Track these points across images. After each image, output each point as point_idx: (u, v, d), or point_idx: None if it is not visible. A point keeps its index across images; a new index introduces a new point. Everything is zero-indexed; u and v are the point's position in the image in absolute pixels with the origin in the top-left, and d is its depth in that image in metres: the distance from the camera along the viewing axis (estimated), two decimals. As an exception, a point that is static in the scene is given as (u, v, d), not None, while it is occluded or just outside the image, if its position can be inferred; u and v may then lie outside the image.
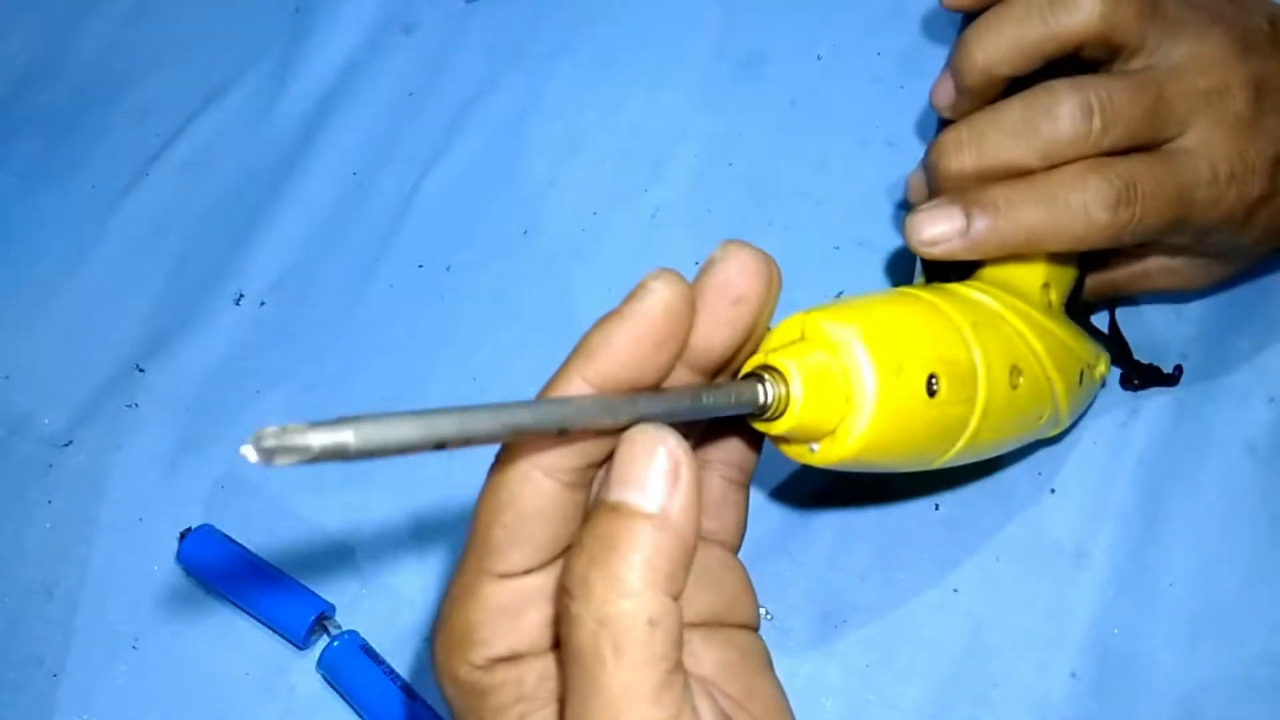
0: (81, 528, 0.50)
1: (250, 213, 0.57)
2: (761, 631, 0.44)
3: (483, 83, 0.59)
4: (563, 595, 0.26)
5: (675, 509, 0.26)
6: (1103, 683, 0.44)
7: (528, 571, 0.28)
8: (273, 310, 0.54)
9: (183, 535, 0.49)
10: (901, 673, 0.45)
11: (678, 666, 0.26)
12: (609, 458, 0.28)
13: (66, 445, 0.52)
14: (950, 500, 0.46)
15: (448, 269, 0.55)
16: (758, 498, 0.48)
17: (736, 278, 0.28)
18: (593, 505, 0.27)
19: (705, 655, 0.30)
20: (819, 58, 0.58)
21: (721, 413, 0.28)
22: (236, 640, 0.47)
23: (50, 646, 0.48)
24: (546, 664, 0.28)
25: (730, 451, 0.33)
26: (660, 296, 0.27)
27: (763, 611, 0.46)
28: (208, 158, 0.59)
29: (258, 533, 0.49)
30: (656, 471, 0.26)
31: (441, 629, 0.29)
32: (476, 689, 0.28)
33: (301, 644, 0.46)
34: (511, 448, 0.28)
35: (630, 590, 0.25)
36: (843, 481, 0.47)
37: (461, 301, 0.54)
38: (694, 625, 0.31)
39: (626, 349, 0.27)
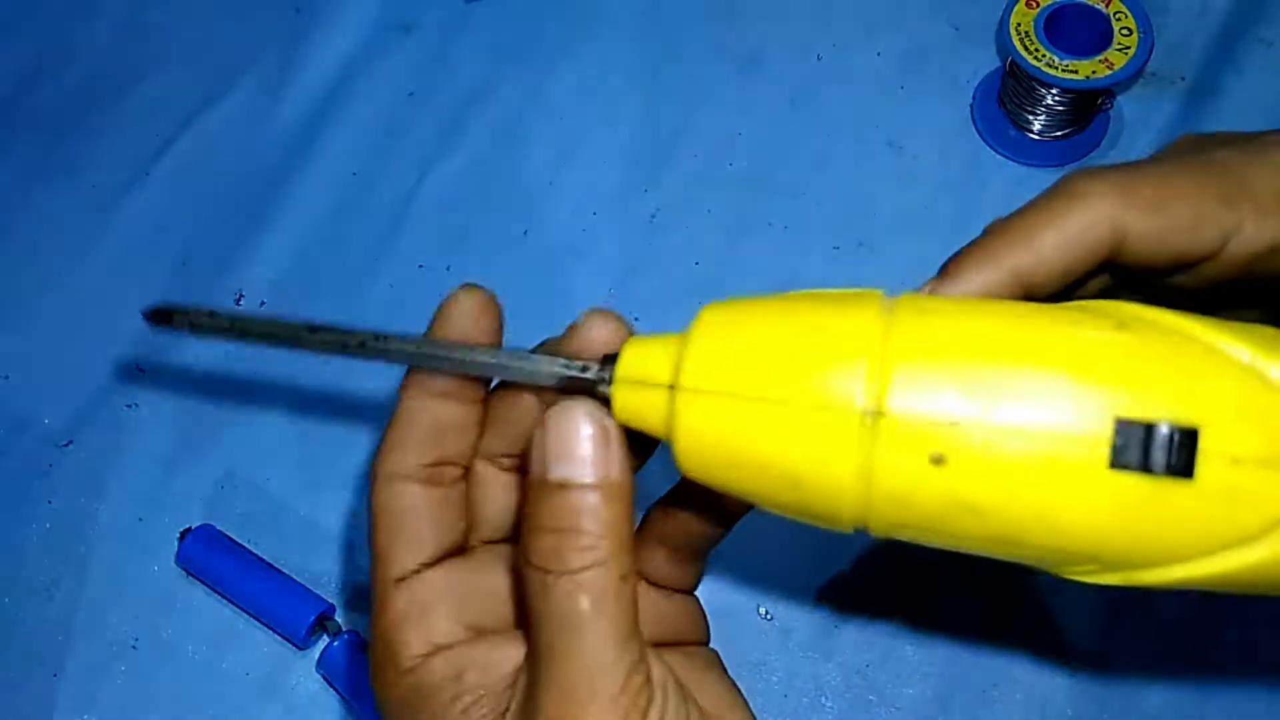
0: (81, 528, 0.50)
1: (250, 213, 0.57)
2: (761, 632, 0.44)
3: (483, 83, 0.59)
4: (531, 573, 0.28)
5: (615, 474, 0.28)
6: (1103, 683, 0.44)
7: (420, 570, 0.31)
8: (273, 310, 0.54)
9: (183, 535, 0.48)
10: (901, 673, 0.45)
11: (637, 619, 0.28)
12: (468, 456, 0.32)
13: (66, 445, 0.52)
14: (950, 500, 0.46)
15: (448, 269, 0.55)
16: (758, 498, 0.48)
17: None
18: (533, 486, 0.28)
19: (653, 661, 0.32)
20: (819, 58, 0.58)
21: (542, 377, 0.30)
22: (236, 640, 0.47)
23: (50, 646, 0.48)
24: (474, 655, 0.30)
25: (682, 526, 0.34)
26: (462, 306, 0.32)
27: (763, 611, 0.46)
28: (208, 158, 0.59)
29: (258, 533, 0.49)
30: (588, 442, 0.28)
31: (370, 653, 0.31)
32: (414, 697, 0.30)
33: (301, 644, 0.46)
34: (375, 464, 0.31)
35: (603, 554, 0.27)
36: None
37: (461, 301, 0.54)
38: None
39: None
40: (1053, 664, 0.44)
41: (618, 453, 0.28)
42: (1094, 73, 0.51)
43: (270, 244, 0.56)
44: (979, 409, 0.24)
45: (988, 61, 0.57)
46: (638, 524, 0.35)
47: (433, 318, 0.32)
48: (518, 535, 0.33)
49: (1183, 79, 0.56)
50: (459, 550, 0.33)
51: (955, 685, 0.44)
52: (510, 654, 0.30)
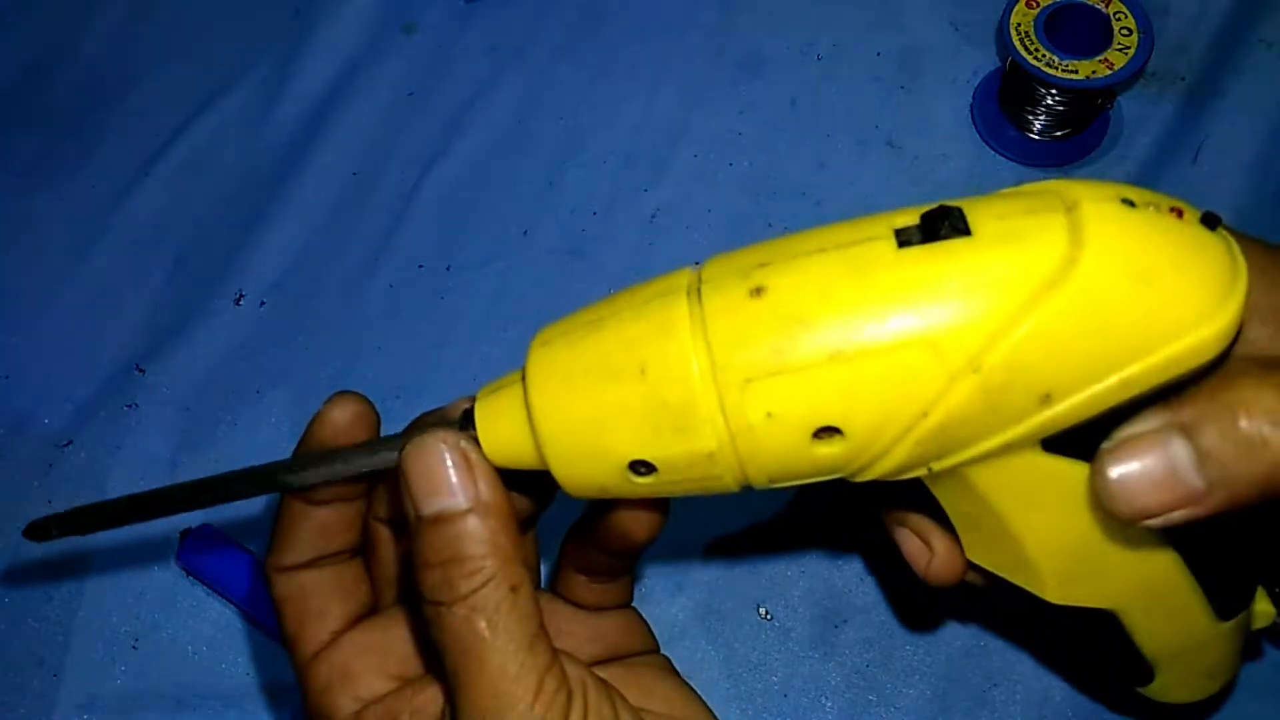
0: (81, 528, 0.50)
1: (250, 213, 0.57)
2: (761, 632, 0.44)
3: (483, 83, 0.59)
4: (427, 609, 0.28)
5: (485, 492, 0.28)
6: (1102, 683, 0.44)
7: (333, 639, 0.33)
8: (273, 310, 0.54)
9: (183, 535, 0.49)
10: (901, 673, 0.45)
11: (541, 624, 0.29)
12: (356, 539, 0.34)
13: (66, 445, 0.52)
14: (950, 500, 0.46)
15: (448, 269, 0.55)
16: (758, 498, 0.48)
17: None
18: (411, 526, 0.29)
19: (601, 672, 0.32)
20: (819, 58, 0.58)
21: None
22: (236, 640, 0.47)
23: (50, 646, 0.48)
24: (402, 703, 0.31)
25: (592, 554, 0.35)
26: (332, 417, 0.34)
27: (762, 611, 0.46)
28: (208, 158, 0.59)
29: (258, 533, 0.49)
30: (451, 471, 0.28)
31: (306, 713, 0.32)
32: None
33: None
34: (267, 560, 0.33)
35: (489, 573, 0.28)
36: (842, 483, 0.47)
37: (461, 301, 0.54)
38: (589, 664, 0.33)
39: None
40: (1053, 664, 0.44)
41: (482, 469, 0.29)
42: (1094, 73, 0.51)
43: (270, 244, 0.56)
44: (783, 250, 0.28)
45: (988, 61, 0.57)
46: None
47: (306, 428, 0.34)
48: (402, 596, 0.35)
49: (1183, 79, 0.56)
50: (370, 612, 0.34)
51: (955, 685, 0.44)
52: (437, 695, 0.31)
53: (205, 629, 0.48)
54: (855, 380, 0.25)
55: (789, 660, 0.45)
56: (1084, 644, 0.36)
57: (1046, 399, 0.25)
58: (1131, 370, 0.25)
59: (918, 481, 0.28)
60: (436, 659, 0.29)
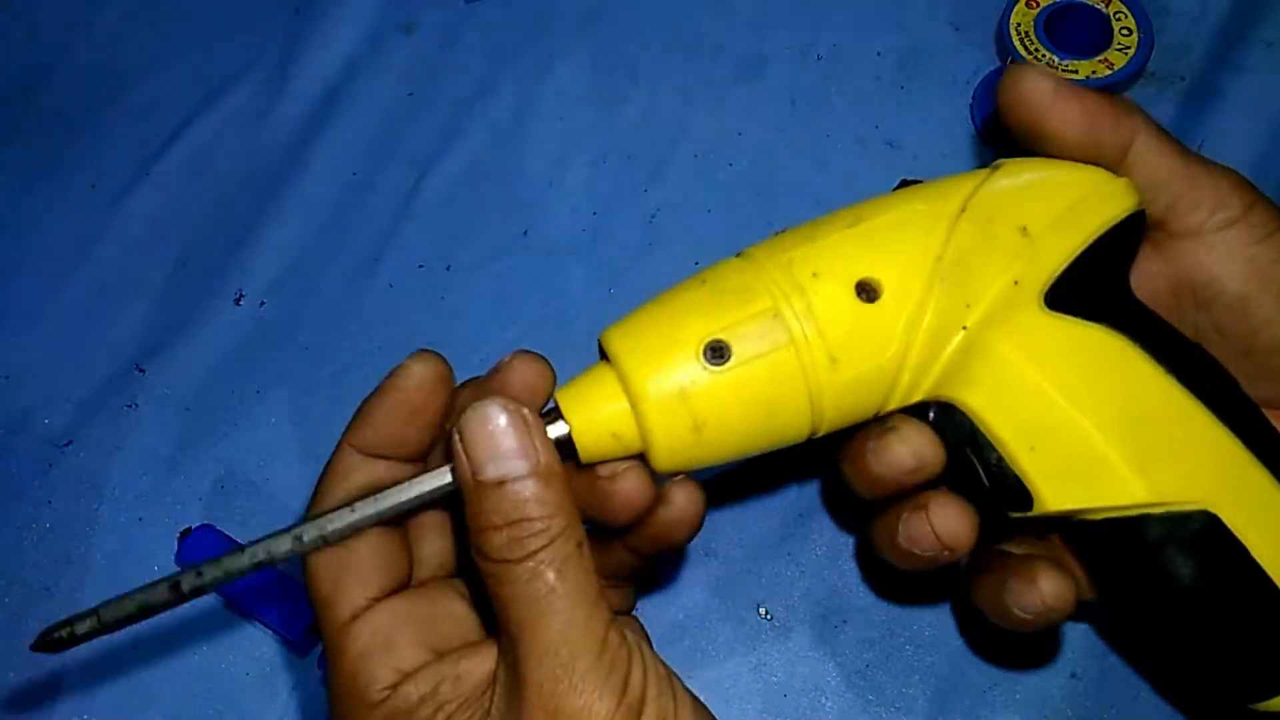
0: (81, 528, 0.50)
1: (250, 213, 0.57)
2: (761, 631, 0.44)
3: (483, 83, 0.59)
4: (491, 566, 0.29)
5: (544, 456, 0.29)
6: (1103, 683, 0.44)
7: (371, 605, 0.32)
8: (273, 310, 0.54)
9: (183, 535, 0.48)
10: (901, 673, 0.45)
11: (600, 584, 0.29)
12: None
13: (66, 445, 0.52)
14: (950, 500, 0.46)
15: (448, 269, 0.55)
16: (758, 498, 0.48)
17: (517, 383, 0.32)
18: (468, 489, 0.29)
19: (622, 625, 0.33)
20: (819, 58, 0.58)
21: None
22: (236, 640, 0.47)
23: (50, 646, 0.48)
24: (444, 671, 0.31)
25: (608, 557, 0.36)
26: (414, 373, 0.32)
27: (762, 611, 0.46)
28: (208, 158, 0.59)
29: (258, 533, 0.48)
30: (510, 433, 0.29)
31: (331, 700, 0.32)
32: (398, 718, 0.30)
33: (301, 644, 0.46)
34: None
35: (556, 530, 0.28)
36: (842, 482, 0.47)
37: (461, 301, 0.54)
38: None
39: (383, 419, 0.32)
40: (1053, 664, 0.44)
41: (541, 435, 0.29)
42: (1094, 73, 0.51)
43: (270, 244, 0.56)
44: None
45: (988, 61, 0.57)
46: None
47: (386, 379, 0.33)
48: (459, 567, 0.35)
49: (1183, 79, 0.56)
50: (403, 587, 0.33)
51: (955, 685, 0.44)
52: (479, 664, 0.31)
53: (205, 629, 0.48)
54: (876, 236, 0.32)
55: (789, 660, 0.45)
56: (1205, 627, 0.33)
57: (1024, 231, 0.32)
58: (1076, 212, 0.33)
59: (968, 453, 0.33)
60: (495, 620, 0.29)
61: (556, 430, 0.30)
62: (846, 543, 0.47)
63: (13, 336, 0.55)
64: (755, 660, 0.45)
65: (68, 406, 0.53)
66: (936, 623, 0.45)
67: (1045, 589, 0.33)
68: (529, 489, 0.28)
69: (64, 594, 0.49)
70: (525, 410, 0.29)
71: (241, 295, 0.55)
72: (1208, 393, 0.33)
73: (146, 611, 0.31)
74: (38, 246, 0.57)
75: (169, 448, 0.52)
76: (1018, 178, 0.34)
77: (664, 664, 0.31)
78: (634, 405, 0.30)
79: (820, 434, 0.33)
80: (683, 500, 0.33)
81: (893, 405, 0.33)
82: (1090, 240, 0.33)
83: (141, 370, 0.54)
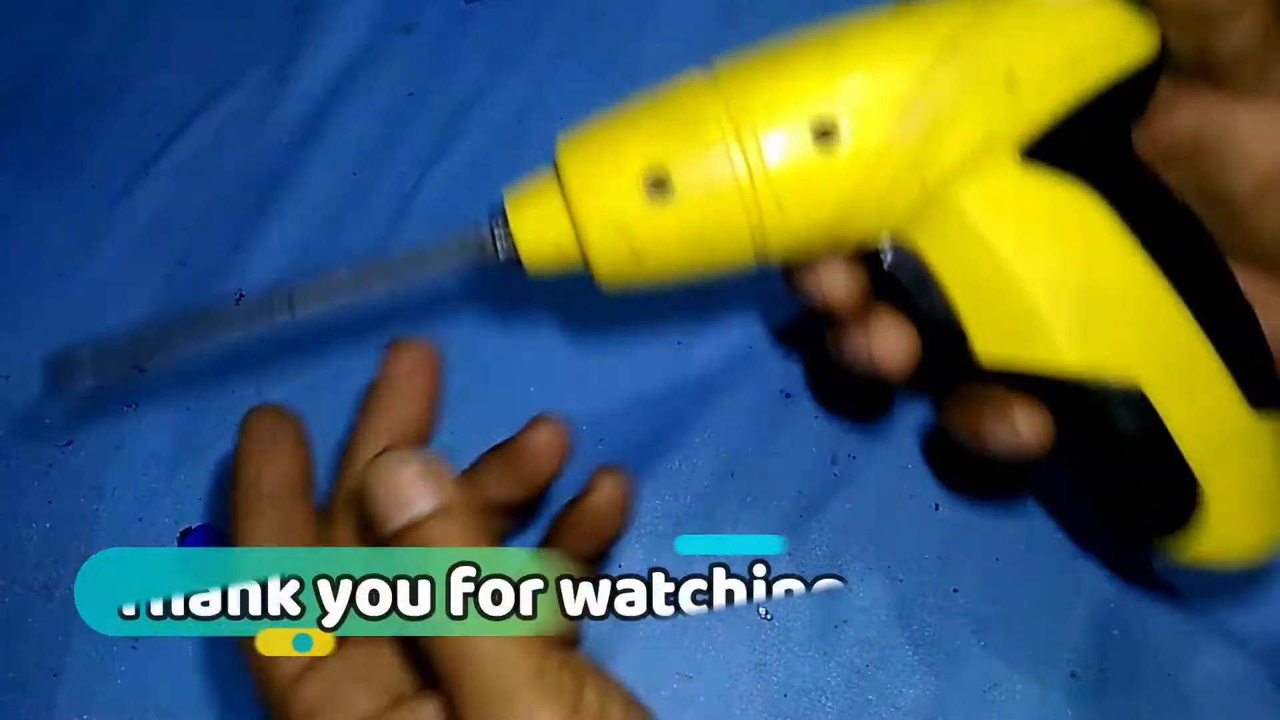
0: (81, 528, 0.50)
1: (250, 213, 0.57)
2: (761, 632, 0.44)
3: (483, 83, 0.59)
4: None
5: (450, 492, 0.29)
6: (1103, 683, 0.44)
7: (313, 662, 0.32)
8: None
9: (183, 535, 0.49)
10: (901, 673, 0.45)
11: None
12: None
13: (66, 445, 0.52)
14: (950, 500, 0.46)
15: (448, 269, 0.55)
16: (757, 498, 0.48)
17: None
18: (387, 543, 0.29)
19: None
20: (819, 58, 0.58)
21: (452, 259, 0.34)
22: (236, 641, 0.47)
23: (50, 646, 0.48)
24: (404, 716, 0.30)
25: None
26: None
27: (762, 611, 0.46)
28: (208, 158, 0.59)
29: (258, 533, 0.49)
30: (415, 479, 0.28)
31: None
32: None
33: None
34: None
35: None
36: (842, 482, 0.47)
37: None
38: None
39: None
40: (1053, 664, 0.44)
41: (443, 474, 0.29)
42: (1094, 73, 0.51)
43: (270, 244, 0.56)
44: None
45: None
46: None
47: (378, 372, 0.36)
48: None
49: (1183, 79, 0.56)
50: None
51: (955, 685, 0.44)
52: (432, 709, 0.30)
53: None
54: (844, 72, 0.30)
55: (789, 660, 0.45)
56: (1117, 473, 0.33)
57: (1010, 79, 0.30)
58: (1074, 61, 0.30)
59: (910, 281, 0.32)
60: (427, 666, 0.29)
61: (504, 239, 0.32)
62: (846, 543, 0.47)
63: (13, 336, 0.55)
64: (755, 660, 0.45)
65: (67, 406, 0.53)
66: (936, 623, 0.45)
67: (1021, 425, 0.33)
68: (436, 530, 0.28)
69: (64, 594, 0.49)
70: (427, 454, 0.29)
71: (241, 295, 0.55)
72: (1176, 263, 0.31)
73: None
74: (38, 246, 0.57)
75: (169, 448, 0.52)
76: (1018, 10, 0.30)
77: (624, 688, 0.30)
78: (576, 227, 0.32)
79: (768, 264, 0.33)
80: (609, 488, 0.34)
81: (846, 247, 0.32)
82: (1084, 97, 0.30)
83: (141, 370, 0.54)
